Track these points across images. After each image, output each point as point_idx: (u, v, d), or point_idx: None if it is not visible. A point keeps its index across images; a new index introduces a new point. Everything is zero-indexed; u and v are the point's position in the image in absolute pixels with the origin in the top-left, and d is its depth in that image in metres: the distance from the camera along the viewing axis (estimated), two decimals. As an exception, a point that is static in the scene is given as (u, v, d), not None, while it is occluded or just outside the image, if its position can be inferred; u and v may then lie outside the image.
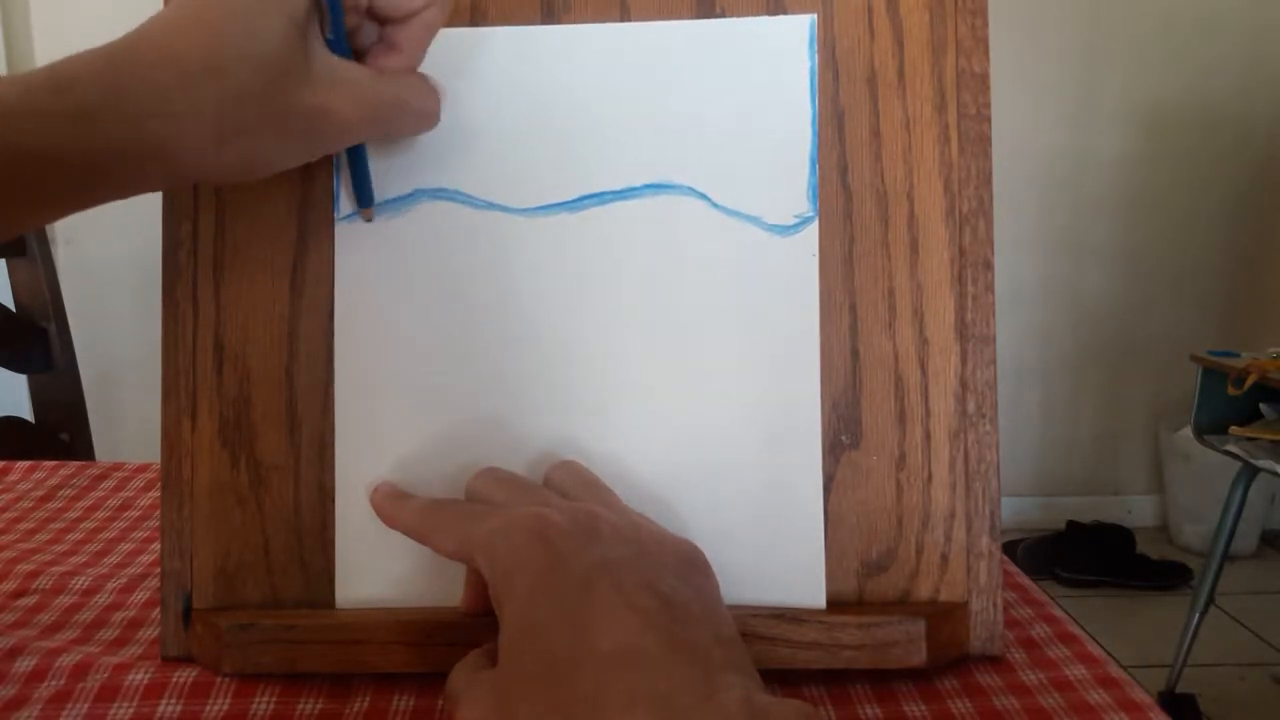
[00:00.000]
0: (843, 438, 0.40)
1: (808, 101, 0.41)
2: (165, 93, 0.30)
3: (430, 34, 0.37)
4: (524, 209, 0.41)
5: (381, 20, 0.36)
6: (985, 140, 0.41)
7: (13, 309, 0.99)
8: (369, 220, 0.41)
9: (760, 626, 0.37)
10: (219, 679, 0.39)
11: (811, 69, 0.41)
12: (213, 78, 0.31)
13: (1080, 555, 2.10)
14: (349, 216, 0.41)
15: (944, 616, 0.39)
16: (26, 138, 0.29)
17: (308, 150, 0.36)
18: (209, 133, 0.31)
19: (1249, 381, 1.47)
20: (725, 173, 0.40)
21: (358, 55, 0.36)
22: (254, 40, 0.31)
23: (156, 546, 0.42)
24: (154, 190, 0.34)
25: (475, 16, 0.41)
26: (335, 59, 0.34)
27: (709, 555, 0.34)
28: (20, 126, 0.29)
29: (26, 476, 0.66)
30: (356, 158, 0.40)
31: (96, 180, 0.32)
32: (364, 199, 0.40)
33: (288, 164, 0.36)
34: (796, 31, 0.41)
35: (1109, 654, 0.41)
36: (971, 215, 0.40)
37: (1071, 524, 2.18)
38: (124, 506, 0.61)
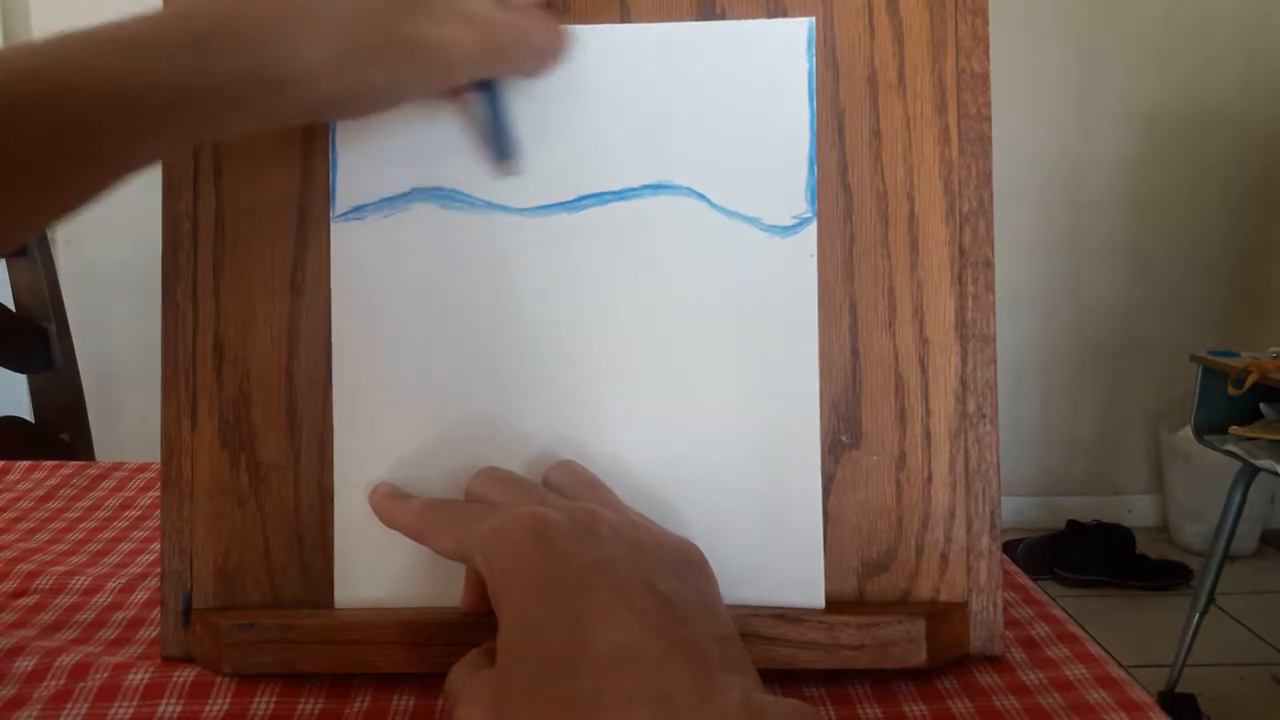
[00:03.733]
0: (843, 437, 0.40)
1: (806, 103, 0.41)
2: (282, 18, 0.31)
3: None
4: (523, 209, 0.41)
5: None
6: (985, 140, 0.41)
7: (13, 309, 0.99)
8: (510, 174, 0.39)
9: (760, 626, 0.37)
10: (219, 679, 0.39)
11: (810, 71, 0.41)
12: (331, 2, 0.31)
13: (1080, 555, 2.10)
14: (346, 215, 0.41)
15: (944, 616, 0.39)
16: (158, 67, 0.30)
17: (424, 81, 0.35)
18: (325, 59, 0.31)
19: (1249, 381, 1.47)
20: (724, 174, 0.40)
21: None
22: None
23: (156, 546, 0.42)
24: (279, 124, 0.34)
25: (475, 16, 0.41)
26: None
27: (708, 555, 0.34)
28: (152, 55, 0.30)
29: (26, 476, 0.66)
30: (493, 104, 0.38)
31: (227, 108, 0.32)
32: (506, 150, 0.39)
33: (404, 96, 0.36)
34: (795, 34, 0.41)
35: (1109, 654, 0.41)
36: (971, 215, 0.40)
37: (1071, 524, 2.18)
38: (124, 506, 0.61)
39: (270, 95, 0.32)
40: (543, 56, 0.37)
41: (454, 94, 0.38)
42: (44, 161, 0.30)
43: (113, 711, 0.37)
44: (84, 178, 0.32)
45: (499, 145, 0.39)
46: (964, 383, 0.40)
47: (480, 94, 0.38)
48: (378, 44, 0.32)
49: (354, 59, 0.32)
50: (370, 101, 0.34)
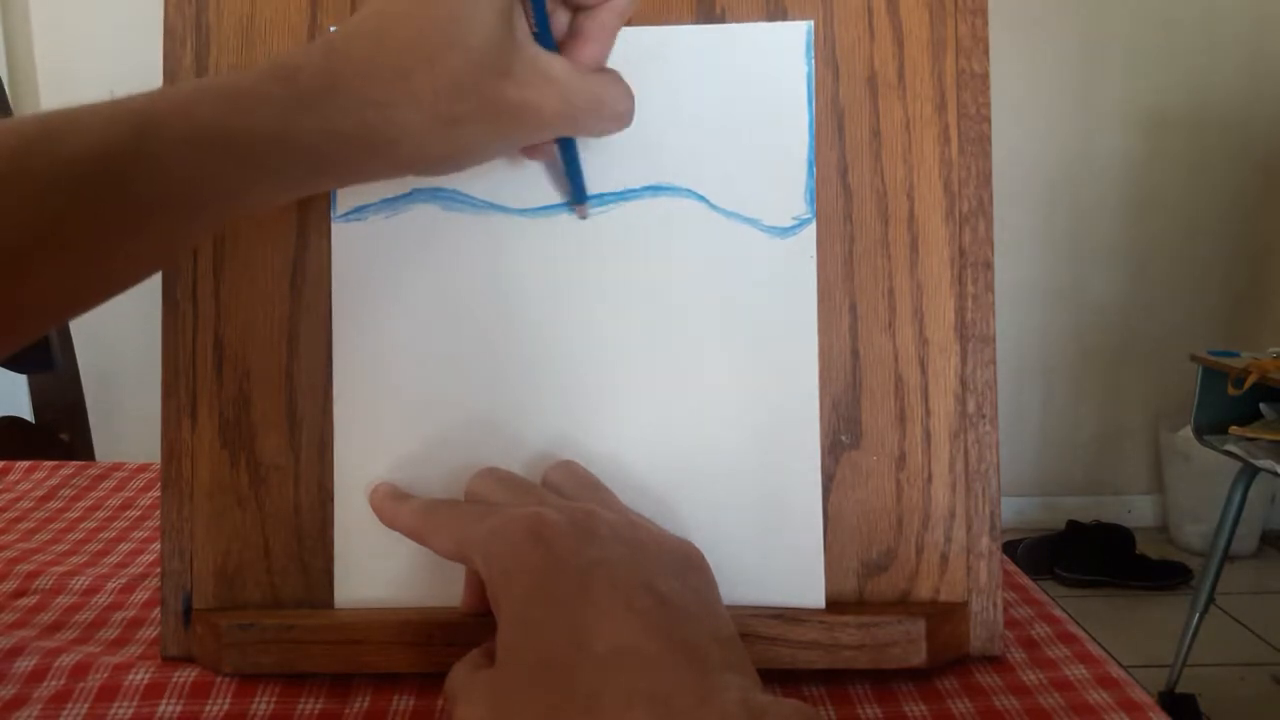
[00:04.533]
0: (843, 437, 0.40)
1: (805, 106, 0.41)
2: (382, 84, 0.31)
3: (620, 22, 0.36)
4: (522, 209, 0.41)
5: (574, 7, 0.36)
6: (985, 140, 0.41)
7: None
8: (584, 218, 0.40)
9: (760, 626, 0.37)
10: (219, 679, 0.39)
11: (809, 74, 0.41)
12: (426, 68, 0.31)
13: (1080, 555, 2.10)
14: (347, 216, 0.41)
15: (944, 616, 0.39)
16: (260, 123, 0.31)
17: (510, 142, 0.36)
18: (423, 122, 0.32)
19: (1249, 381, 1.47)
20: (724, 175, 0.40)
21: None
22: (464, 31, 0.32)
23: (156, 546, 0.42)
24: (379, 178, 0.35)
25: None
26: (540, 52, 0.34)
27: (708, 555, 0.34)
28: (254, 112, 0.31)
29: (26, 476, 0.66)
30: (568, 154, 0.39)
31: (323, 166, 0.33)
32: (578, 195, 0.40)
33: (492, 155, 0.37)
34: (794, 37, 0.41)
35: (1109, 654, 0.41)
36: (971, 215, 0.41)
37: (1071, 524, 2.18)
38: (124, 506, 0.61)
39: (366, 155, 0.32)
40: (615, 120, 0.37)
41: (533, 148, 0.39)
42: (148, 212, 0.30)
43: (113, 711, 0.37)
44: (182, 228, 0.32)
45: (572, 191, 0.40)
46: (964, 383, 0.40)
47: (557, 146, 0.39)
48: (469, 108, 0.32)
49: (447, 122, 0.32)
50: (459, 160, 0.35)
